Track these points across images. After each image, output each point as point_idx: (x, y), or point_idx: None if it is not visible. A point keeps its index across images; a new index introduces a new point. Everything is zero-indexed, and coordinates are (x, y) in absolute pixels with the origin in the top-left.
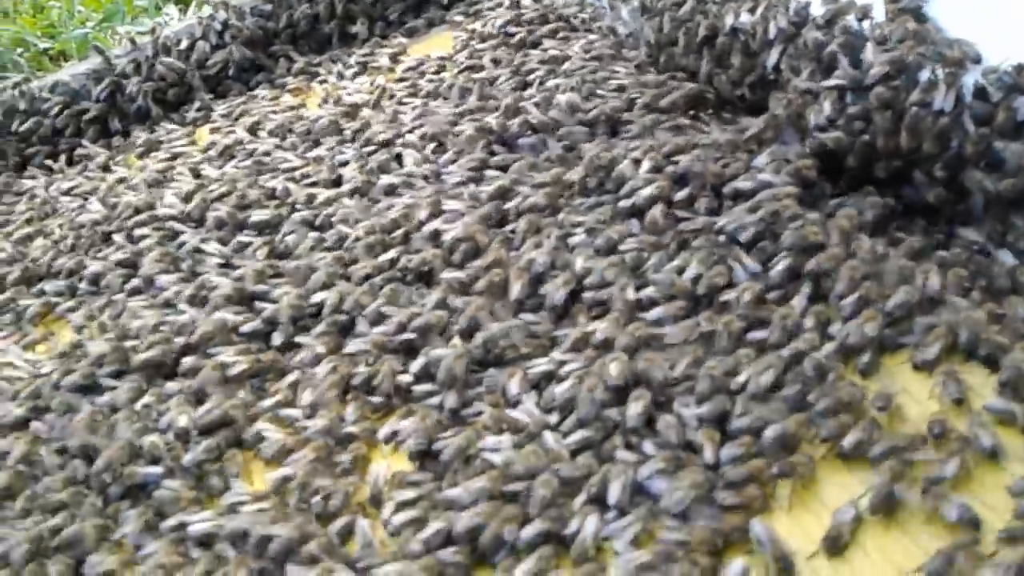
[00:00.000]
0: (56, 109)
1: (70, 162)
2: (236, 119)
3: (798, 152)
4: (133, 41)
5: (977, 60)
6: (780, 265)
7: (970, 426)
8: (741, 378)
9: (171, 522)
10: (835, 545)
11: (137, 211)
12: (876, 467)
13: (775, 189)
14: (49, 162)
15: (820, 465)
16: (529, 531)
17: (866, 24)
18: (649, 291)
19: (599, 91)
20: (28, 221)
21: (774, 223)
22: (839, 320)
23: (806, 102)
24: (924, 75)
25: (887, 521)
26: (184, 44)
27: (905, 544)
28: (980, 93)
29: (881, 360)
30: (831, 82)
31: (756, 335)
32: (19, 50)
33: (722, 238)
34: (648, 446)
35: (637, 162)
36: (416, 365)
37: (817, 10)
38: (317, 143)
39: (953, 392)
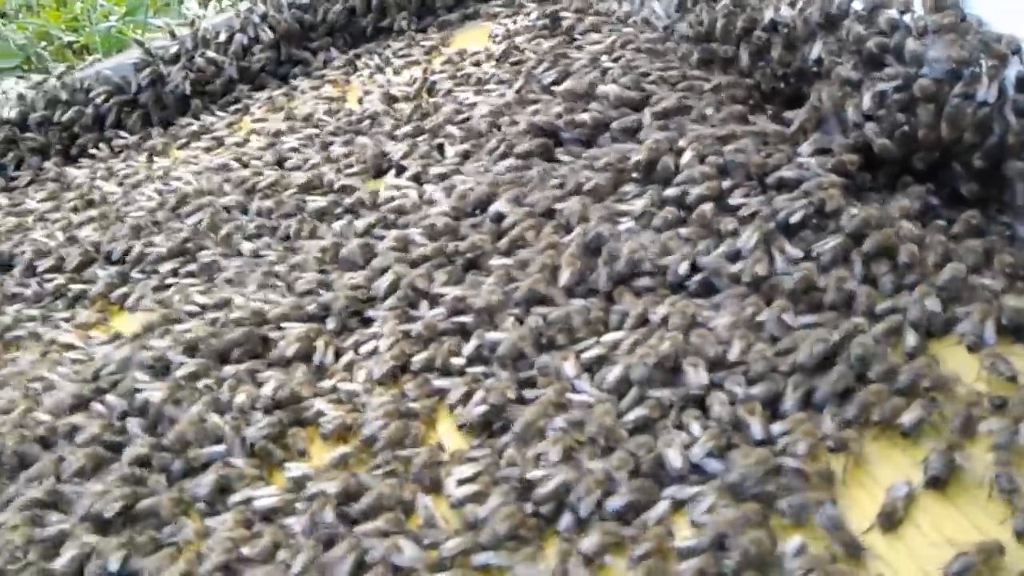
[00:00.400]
0: (100, 99)
1: (112, 151)
2: (278, 110)
3: (841, 144)
4: (173, 33)
5: (1018, 52)
6: (829, 247)
7: None
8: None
9: (237, 497)
10: (890, 521)
11: (189, 197)
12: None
13: (820, 179)
14: (93, 151)
15: (871, 444)
16: (616, 501)
17: (908, 17)
18: (698, 276)
19: (641, 84)
20: (75, 209)
21: (821, 210)
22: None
23: (847, 94)
24: (969, 66)
25: (941, 498)
26: (223, 37)
27: (958, 520)
28: (1022, 85)
29: (927, 343)
30: (885, 84)
31: (806, 319)
32: (43, 43)
33: (770, 225)
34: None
35: (681, 152)
36: (469, 347)
37: (858, 3)
38: (361, 133)
39: (1005, 371)
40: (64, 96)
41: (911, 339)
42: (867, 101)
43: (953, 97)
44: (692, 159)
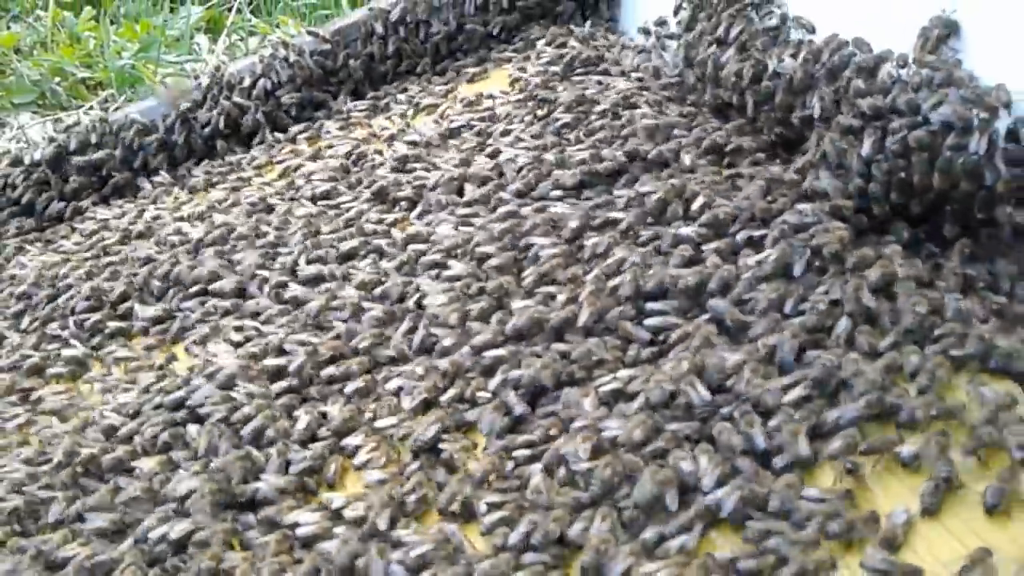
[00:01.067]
0: (131, 141)
1: (142, 192)
2: (300, 153)
3: (837, 188)
4: (197, 78)
5: (1008, 105)
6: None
7: None
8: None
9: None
10: (890, 546)
11: (226, 236)
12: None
13: (822, 224)
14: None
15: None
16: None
17: (904, 71)
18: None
19: (644, 133)
20: (107, 250)
21: (820, 253)
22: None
23: (847, 141)
24: (960, 118)
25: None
26: (247, 82)
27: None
28: (1012, 135)
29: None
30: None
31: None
32: (57, 79)
33: (772, 271)
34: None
35: (689, 201)
36: (494, 382)
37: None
38: (382, 177)
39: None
40: (94, 139)
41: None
42: (866, 149)
43: (946, 148)
44: (702, 205)
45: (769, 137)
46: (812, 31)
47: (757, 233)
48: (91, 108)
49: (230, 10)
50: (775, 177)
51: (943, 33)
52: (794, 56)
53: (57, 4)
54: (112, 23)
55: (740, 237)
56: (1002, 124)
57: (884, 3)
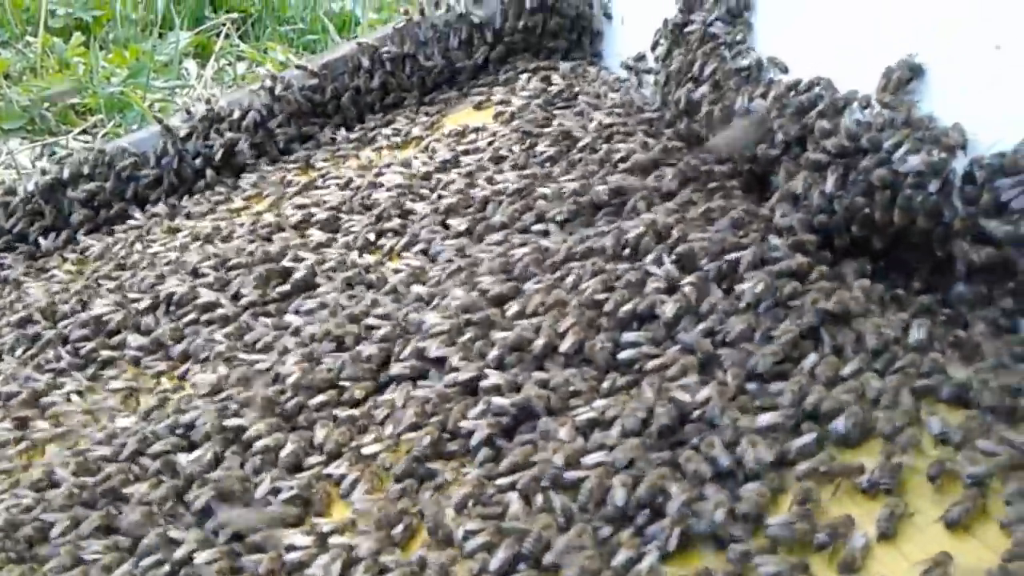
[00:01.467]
0: (123, 172)
1: (135, 222)
2: (290, 184)
3: (802, 223)
4: (189, 111)
5: (967, 148)
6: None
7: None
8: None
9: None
10: (849, 569)
11: (223, 265)
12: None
13: (785, 261)
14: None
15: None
16: None
17: (868, 112)
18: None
19: (622, 168)
20: (102, 280)
21: (783, 288)
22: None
23: (813, 179)
24: (920, 159)
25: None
26: (236, 114)
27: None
28: (968, 176)
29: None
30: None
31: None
32: (46, 105)
33: (742, 304)
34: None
35: (663, 235)
36: (476, 410)
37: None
38: (372, 208)
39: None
40: (86, 170)
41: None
42: (829, 186)
43: (906, 187)
44: (676, 239)
45: (742, 172)
46: (784, 71)
47: (726, 267)
48: (81, 133)
49: (219, 35)
50: (748, 211)
51: (905, 76)
52: (764, 96)
53: (47, 30)
54: (101, 49)
55: (710, 270)
56: (960, 164)
57: (852, 45)
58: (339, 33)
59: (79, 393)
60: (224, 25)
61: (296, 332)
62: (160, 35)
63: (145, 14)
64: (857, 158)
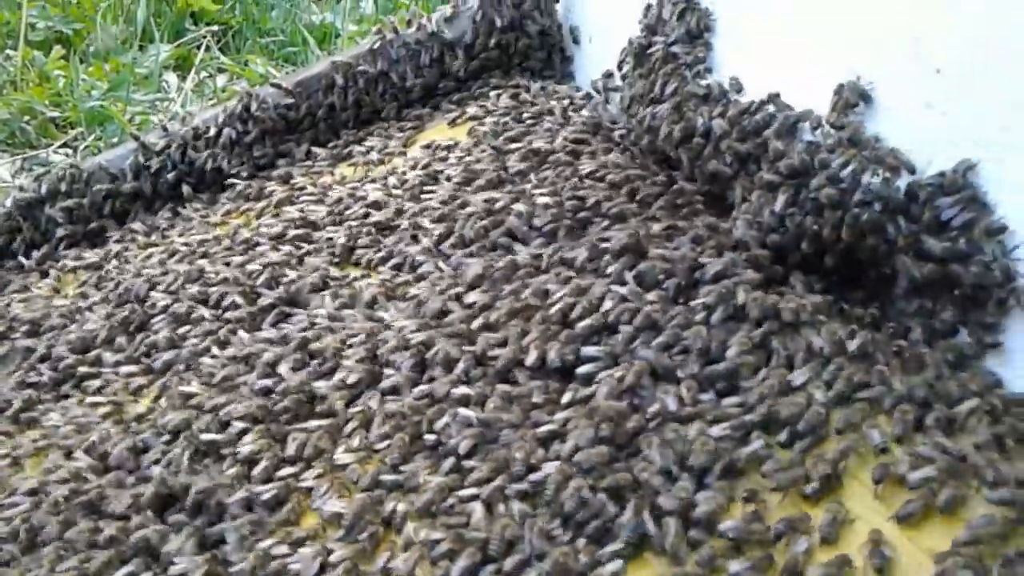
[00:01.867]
0: (99, 189)
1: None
2: (265, 199)
3: (755, 239)
4: (165, 128)
5: (910, 168)
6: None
7: None
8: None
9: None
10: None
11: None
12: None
13: (739, 276)
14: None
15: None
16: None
17: (818, 133)
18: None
19: (589, 183)
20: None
21: (732, 300)
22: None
23: (767, 197)
24: (866, 179)
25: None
26: (212, 131)
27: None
28: (911, 195)
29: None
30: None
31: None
32: (27, 118)
33: (696, 317)
34: None
35: (625, 251)
36: (441, 423)
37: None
38: (346, 222)
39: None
40: (64, 187)
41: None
42: (779, 205)
43: (853, 205)
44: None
45: (703, 189)
46: (739, 90)
47: (684, 282)
48: (62, 146)
49: (199, 48)
50: (708, 227)
51: (854, 99)
52: (721, 115)
53: (27, 43)
54: (82, 62)
55: (668, 286)
56: (902, 183)
57: (806, 65)
58: (319, 45)
59: (63, 409)
60: (204, 37)
61: (273, 344)
62: (140, 47)
63: (125, 27)
64: (807, 178)
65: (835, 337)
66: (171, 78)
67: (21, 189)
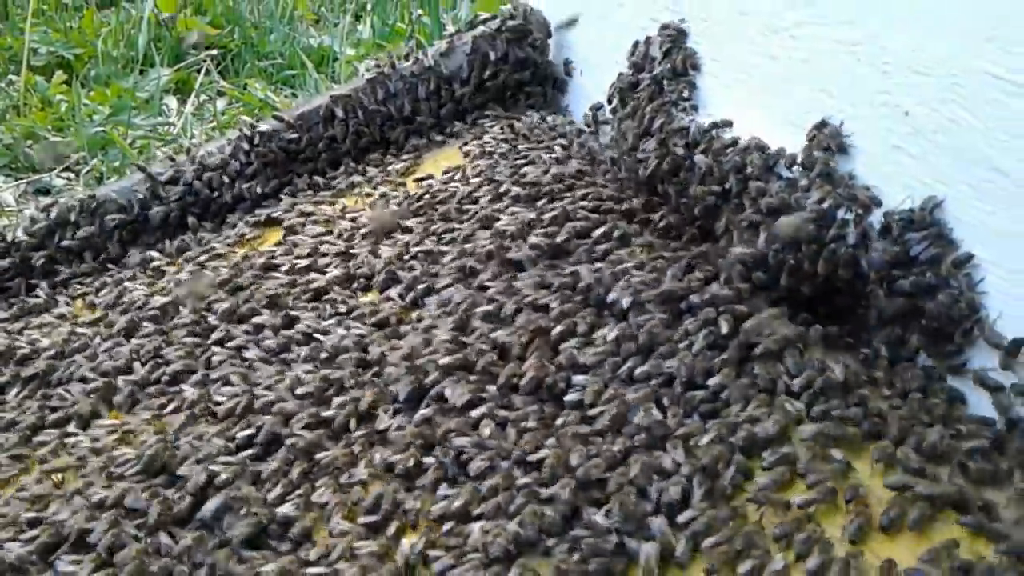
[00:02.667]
0: (111, 221)
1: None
2: (270, 229)
3: (738, 272)
4: (172, 159)
5: (879, 204)
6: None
7: None
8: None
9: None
10: None
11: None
12: None
13: (723, 307)
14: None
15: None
16: None
17: (794, 170)
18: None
19: (581, 214)
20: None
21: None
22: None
23: (749, 234)
24: (839, 214)
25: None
26: (217, 162)
27: None
28: (884, 230)
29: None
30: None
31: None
32: (29, 142)
33: (682, 345)
34: None
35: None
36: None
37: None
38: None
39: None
40: (73, 217)
41: None
42: (761, 242)
43: (829, 240)
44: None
45: (689, 221)
46: (722, 127)
47: (670, 311)
48: (64, 170)
49: (199, 72)
50: (695, 257)
51: (828, 141)
52: (704, 152)
53: (29, 68)
54: (83, 87)
55: (655, 313)
56: (875, 219)
57: (787, 103)
58: (317, 68)
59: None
60: (204, 61)
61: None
62: (141, 72)
63: (126, 51)
64: (786, 214)
65: (811, 364)
66: (171, 102)
67: (33, 220)
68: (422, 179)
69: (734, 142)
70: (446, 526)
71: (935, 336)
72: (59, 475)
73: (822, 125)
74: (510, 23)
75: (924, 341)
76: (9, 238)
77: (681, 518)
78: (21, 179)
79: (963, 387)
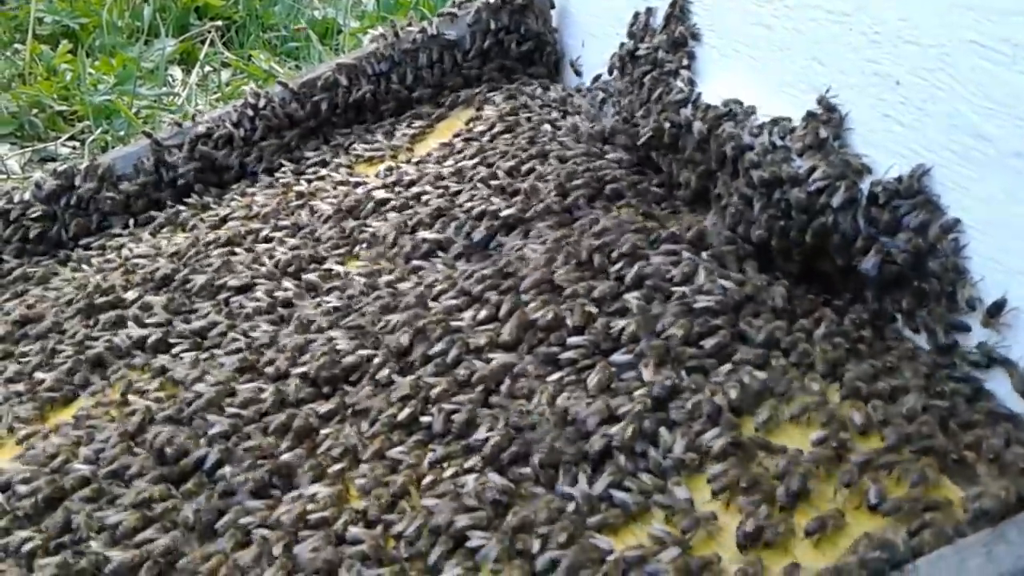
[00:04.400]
0: (114, 185)
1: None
2: (277, 194)
3: (727, 238)
4: (179, 123)
5: (869, 171)
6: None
7: None
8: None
9: None
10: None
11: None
12: None
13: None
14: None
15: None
16: None
17: (788, 139)
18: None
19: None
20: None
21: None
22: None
23: (740, 204)
24: (830, 181)
25: None
26: (222, 130)
27: None
28: (872, 197)
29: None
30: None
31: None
32: (35, 111)
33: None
34: None
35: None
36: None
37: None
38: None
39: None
40: (77, 182)
41: None
42: (756, 210)
43: (818, 207)
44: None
45: (687, 188)
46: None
47: (663, 279)
48: (69, 139)
49: (203, 43)
50: (686, 228)
51: (822, 111)
52: (701, 120)
53: (35, 38)
54: (88, 56)
55: (652, 282)
56: (864, 187)
57: (781, 73)
58: (321, 41)
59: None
60: (209, 32)
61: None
62: (146, 42)
63: (131, 21)
64: (779, 183)
65: (801, 328)
66: (176, 72)
67: (38, 186)
68: (428, 149)
69: (730, 111)
70: None
71: (924, 301)
72: None
73: (818, 100)
74: None
75: (912, 304)
76: (16, 199)
77: None
78: (27, 147)
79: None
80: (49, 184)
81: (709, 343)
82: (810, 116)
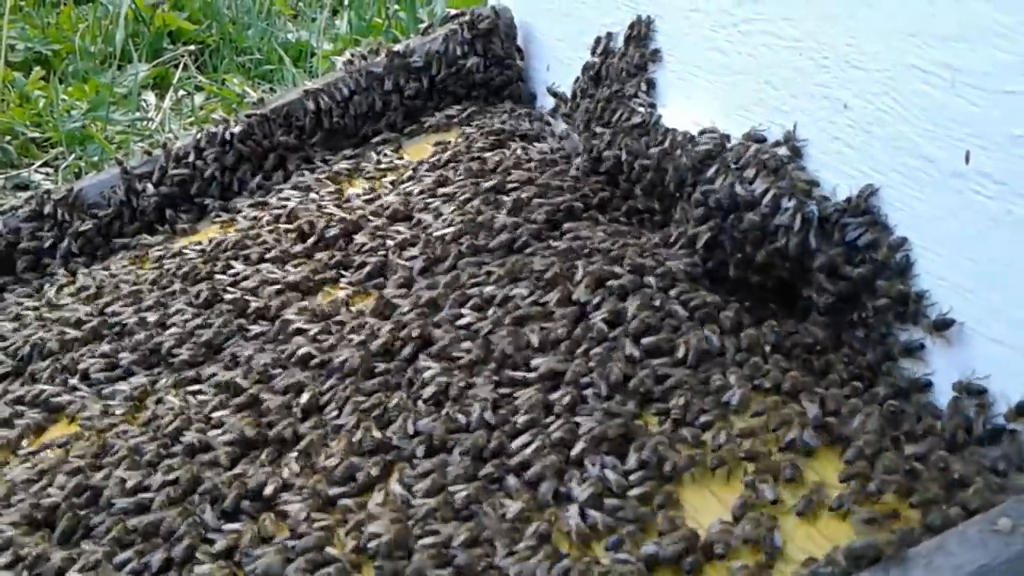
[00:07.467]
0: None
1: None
2: (251, 219)
3: (687, 262)
4: (149, 152)
5: (817, 185)
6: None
7: None
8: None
9: None
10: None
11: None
12: None
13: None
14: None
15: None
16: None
17: (742, 161)
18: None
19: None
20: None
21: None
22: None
23: (697, 227)
24: (783, 204)
25: None
26: (192, 156)
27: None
28: (822, 219)
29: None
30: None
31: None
32: (7, 138)
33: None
34: None
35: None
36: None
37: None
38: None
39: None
40: (48, 210)
41: None
42: (708, 236)
43: (772, 228)
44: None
45: (648, 208)
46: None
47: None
48: (43, 165)
49: (177, 67)
50: (647, 247)
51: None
52: (658, 145)
53: (7, 64)
54: (61, 82)
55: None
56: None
57: (737, 97)
58: (295, 64)
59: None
60: (182, 57)
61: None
62: (119, 67)
63: (104, 47)
64: (734, 208)
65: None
66: (150, 97)
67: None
68: (393, 171)
69: (687, 135)
70: None
71: (875, 318)
72: None
73: (780, 132)
74: (480, 20)
75: (862, 321)
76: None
77: None
78: (0, 174)
79: None
80: None
81: None
82: (763, 139)
